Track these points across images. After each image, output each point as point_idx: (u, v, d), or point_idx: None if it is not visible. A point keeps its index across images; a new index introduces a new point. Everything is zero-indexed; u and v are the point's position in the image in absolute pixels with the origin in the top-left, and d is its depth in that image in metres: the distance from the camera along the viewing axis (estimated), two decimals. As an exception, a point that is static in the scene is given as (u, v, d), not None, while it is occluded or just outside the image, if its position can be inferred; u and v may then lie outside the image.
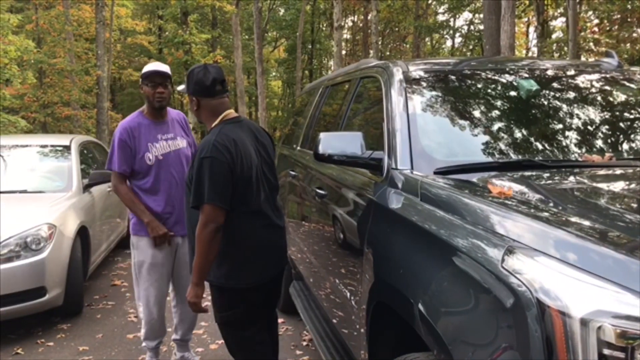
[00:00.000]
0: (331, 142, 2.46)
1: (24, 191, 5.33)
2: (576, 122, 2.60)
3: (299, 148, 4.28)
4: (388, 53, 29.95)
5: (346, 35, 30.96)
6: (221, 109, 2.74)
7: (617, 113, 2.68)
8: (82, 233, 5.08)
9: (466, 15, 27.70)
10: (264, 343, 2.89)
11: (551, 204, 1.73)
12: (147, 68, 3.45)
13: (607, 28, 16.79)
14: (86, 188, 5.59)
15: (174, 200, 3.44)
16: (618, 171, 2.17)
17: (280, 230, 2.86)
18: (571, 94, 2.80)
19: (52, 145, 6.22)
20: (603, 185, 2.02)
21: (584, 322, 1.18)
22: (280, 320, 4.54)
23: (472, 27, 28.05)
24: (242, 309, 2.75)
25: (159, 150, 3.42)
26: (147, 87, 3.38)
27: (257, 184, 2.66)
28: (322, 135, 2.49)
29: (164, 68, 3.46)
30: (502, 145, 2.44)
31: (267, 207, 2.73)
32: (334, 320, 2.95)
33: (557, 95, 2.77)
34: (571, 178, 2.13)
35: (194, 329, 3.80)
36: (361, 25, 30.41)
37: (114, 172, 3.44)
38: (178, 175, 3.45)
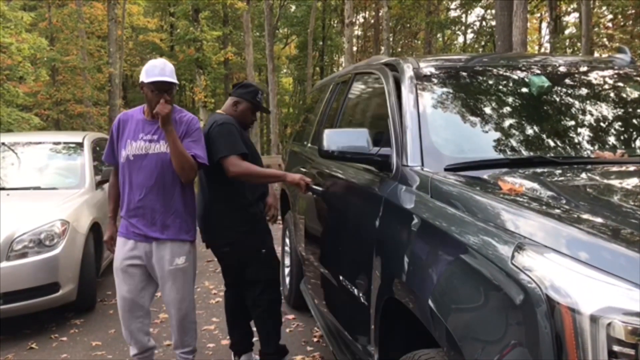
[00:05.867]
0: (336, 139, 2.45)
1: (38, 188, 5.38)
2: (588, 118, 2.58)
3: (309, 145, 4.28)
4: (399, 49, 29.87)
5: (357, 31, 30.89)
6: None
7: (630, 109, 2.66)
8: (95, 229, 5.12)
9: (478, 11, 27.60)
10: (228, 300, 3.72)
11: (562, 201, 1.72)
12: (151, 73, 3.03)
13: (621, 23, 16.64)
14: (99, 185, 5.63)
15: (142, 204, 3.14)
16: (630, 168, 2.16)
17: (202, 204, 3.43)
18: (583, 91, 2.78)
19: (65, 142, 6.26)
20: (615, 182, 2.01)
21: (594, 319, 1.18)
22: (291, 317, 4.61)
23: (484, 23, 27.90)
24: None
25: (133, 149, 3.13)
26: (150, 93, 3.04)
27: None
28: (326, 131, 2.49)
29: (170, 74, 3.06)
30: (513, 142, 2.43)
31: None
32: (345, 317, 2.96)
33: (569, 91, 2.75)
34: (583, 175, 2.12)
35: (190, 335, 3.36)
36: (372, 21, 30.34)
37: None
38: (151, 179, 3.12)
